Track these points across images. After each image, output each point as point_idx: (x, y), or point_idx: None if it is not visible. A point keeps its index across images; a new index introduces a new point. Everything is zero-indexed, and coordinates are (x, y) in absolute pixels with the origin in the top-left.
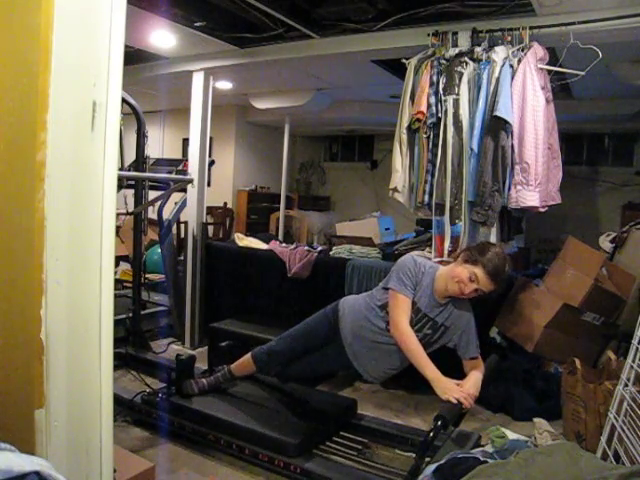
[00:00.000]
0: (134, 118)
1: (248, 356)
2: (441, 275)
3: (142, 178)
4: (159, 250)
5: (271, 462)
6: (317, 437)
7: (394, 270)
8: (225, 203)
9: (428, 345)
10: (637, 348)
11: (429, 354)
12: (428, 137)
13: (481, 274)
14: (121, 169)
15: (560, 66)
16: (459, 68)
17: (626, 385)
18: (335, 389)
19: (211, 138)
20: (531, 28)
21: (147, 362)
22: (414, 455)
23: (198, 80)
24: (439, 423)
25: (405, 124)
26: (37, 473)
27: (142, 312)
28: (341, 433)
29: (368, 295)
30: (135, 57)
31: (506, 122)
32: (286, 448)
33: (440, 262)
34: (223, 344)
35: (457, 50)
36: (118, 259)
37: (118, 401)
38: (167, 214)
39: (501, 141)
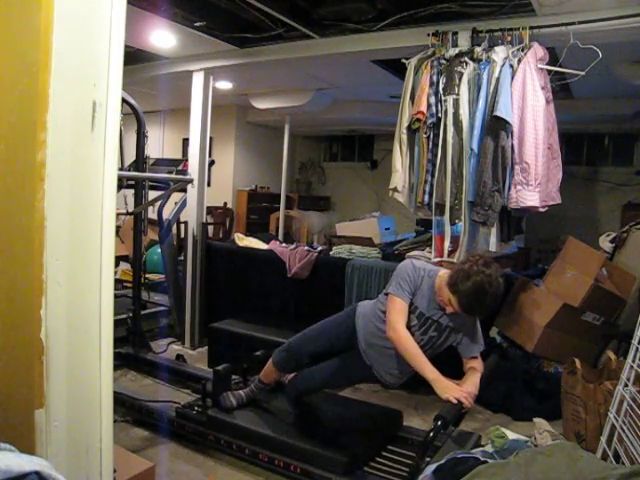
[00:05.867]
0: (134, 118)
1: (270, 360)
2: (440, 278)
3: (142, 178)
4: (159, 250)
5: (271, 462)
6: (366, 453)
7: (394, 275)
8: (225, 203)
9: (435, 348)
10: (637, 348)
11: (436, 357)
12: (428, 137)
13: (455, 304)
14: (121, 169)
15: (560, 66)
16: (459, 68)
17: (626, 385)
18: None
19: (211, 138)
20: (531, 28)
21: (148, 362)
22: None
23: (198, 80)
24: (439, 423)
25: (405, 124)
26: (37, 473)
27: (142, 312)
28: (389, 447)
29: (375, 301)
30: (135, 57)
31: (506, 122)
32: (335, 466)
33: (440, 262)
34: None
35: (457, 50)
36: (118, 259)
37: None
38: (167, 214)
39: (501, 141)
